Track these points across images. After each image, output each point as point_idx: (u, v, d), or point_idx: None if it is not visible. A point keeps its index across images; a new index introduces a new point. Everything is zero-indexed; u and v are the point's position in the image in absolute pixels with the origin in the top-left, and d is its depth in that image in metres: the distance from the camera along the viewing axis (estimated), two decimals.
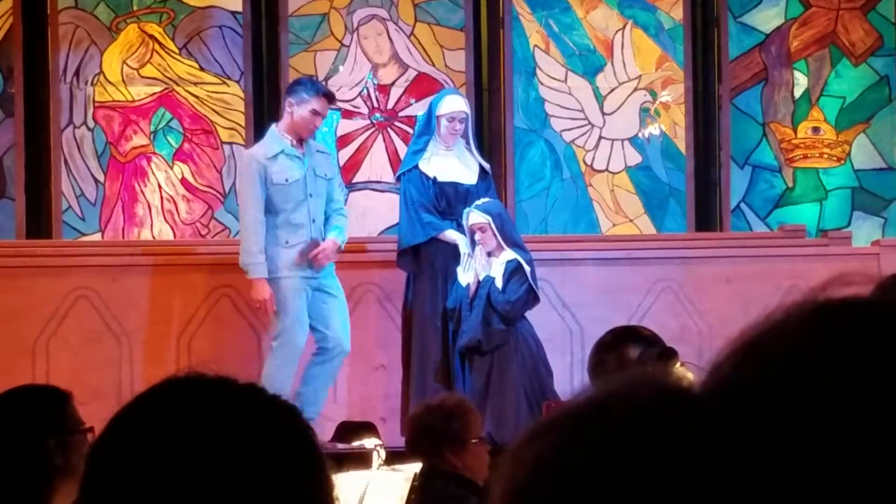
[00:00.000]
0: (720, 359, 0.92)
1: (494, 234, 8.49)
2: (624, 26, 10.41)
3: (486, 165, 8.72)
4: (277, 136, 8.19)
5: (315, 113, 8.17)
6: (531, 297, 8.50)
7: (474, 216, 8.61)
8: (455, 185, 8.56)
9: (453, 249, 8.46)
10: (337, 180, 8.61)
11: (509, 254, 8.49)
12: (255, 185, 8.05)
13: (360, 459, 5.92)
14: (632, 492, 0.89)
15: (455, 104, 8.63)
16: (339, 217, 8.37)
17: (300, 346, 8.08)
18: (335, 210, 8.35)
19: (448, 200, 8.55)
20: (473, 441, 5.35)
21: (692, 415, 0.90)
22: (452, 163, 8.59)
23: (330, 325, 8.15)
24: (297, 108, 8.13)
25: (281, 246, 8.09)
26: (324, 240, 8.21)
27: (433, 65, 10.31)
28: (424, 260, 8.49)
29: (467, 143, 8.65)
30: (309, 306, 8.16)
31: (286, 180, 8.09)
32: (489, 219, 8.54)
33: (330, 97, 8.34)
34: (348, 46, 10.27)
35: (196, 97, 10.17)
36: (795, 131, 10.50)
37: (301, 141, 8.20)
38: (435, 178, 8.55)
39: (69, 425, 3.88)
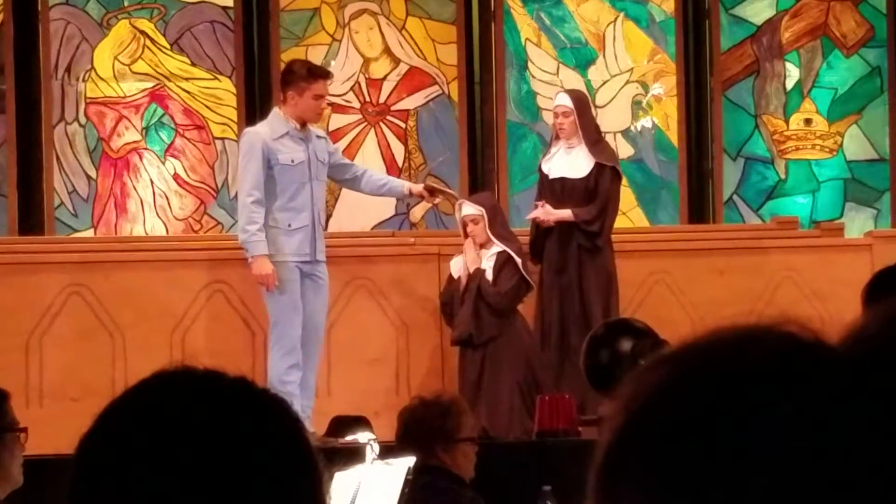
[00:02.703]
0: (865, 319, 0.91)
1: (485, 227, 8.50)
2: (615, 19, 10.41)
3: (597, 159, 8.57)
4: (282, 118, 8.14)
5: (318, 97, 8.15)
6: (523, 288, 8.50)
7: (467, 208, 8.62)
8: (563, 180, 8.57)
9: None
10: (338, 151, 8.76)
11: (498, 246, 8.50)
12: (256, 163, 8.00)
13: (354, 454, 5.92)
14: (748, 433, 0.87)
15: (556, 100, 8.73)
16: (373, 171, 8.79)
17: (297, 334, 8.05)
18: (363, 169, 8.62)
19: (556, 196, 8.56)
20: (464, 440, 5.36)
21: (826, 366, 0.88)
22: (566, 160, 8.60)
23: (306, 308, 8.12)
24: (301, 99, 8.08)
25: (283, 229, 8.07)
26: (322, 225, 8.24)
27: (425, 59, 10.30)
28: None
29: (579, 138, 8.61)
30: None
31: (292, 161, 8.06)
32: (482, 211, 8.55)
33: (327, 75, 8.36)
34: (340, 41, 10.26)
35: (188, 93, 10.16)
36: (787, 123, 10.51)
37: (304, 125, 8.19)
38: (547, 176, 8.59)
39: (3, 423, 3.91)
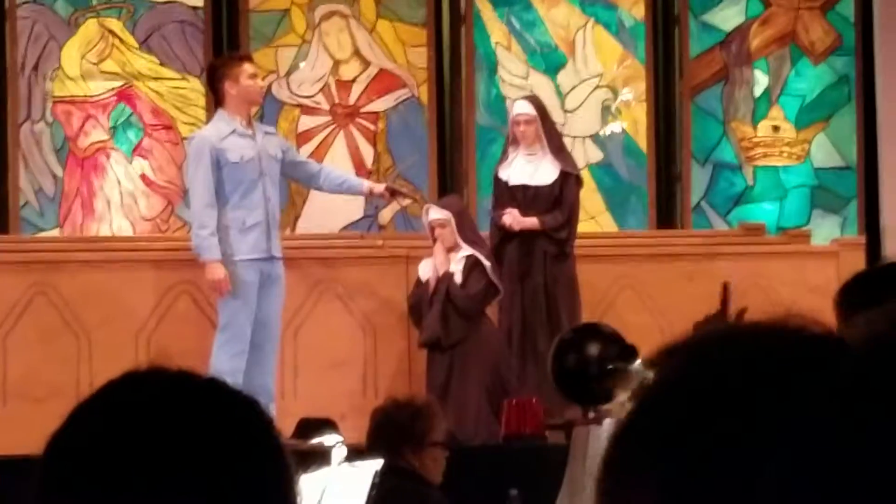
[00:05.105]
0: (870, 317, 0.90)
1: (454, 231, 8.51)
2: (585, 24, 10.42)
3: (562, 166, 8.65)
4: (227, 118, 8.19)
5: (253, 76, 8.26)
6: (490, 292, 8.52)
7: (434, 213, 8.62)
8: (525, 187, 8.59)
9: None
10: (293, 149, 8.80)
11: (467, 250, 8.51)
12: (206, 167, 8.06)
13: (321, 457, 5.90)
14: (766, 424, 0.86)
15: (515, 107, 8.75)
16: (331, 167, 8.86)
17: (247, 336, 8.04)
18: (319, 166, 8.68)
19: (519, 203, 8.58)
20: (434, 444, 5.35)
21: (846, 360, 0.88)
22: (528, 167, 8.63)
23: (262, 309, 8.10)
24: (239, 86, 8.12)
25: (238, 228, 8.08)
26: (277, 222, 8.27)
27: (395, 61, 10.29)
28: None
29: (542, 145, 8.63)
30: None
31: (241, 158, 8.12)
32: (450, 215, 8.56)
33: (249, 56, 8.59)
34: (310, 42, 10.24)
35: (156, 92, 10.12)
36: (756, 130, 10.54)
37: (250, 121, 8.19)
38: (507, 182, 8.58)
39: None
